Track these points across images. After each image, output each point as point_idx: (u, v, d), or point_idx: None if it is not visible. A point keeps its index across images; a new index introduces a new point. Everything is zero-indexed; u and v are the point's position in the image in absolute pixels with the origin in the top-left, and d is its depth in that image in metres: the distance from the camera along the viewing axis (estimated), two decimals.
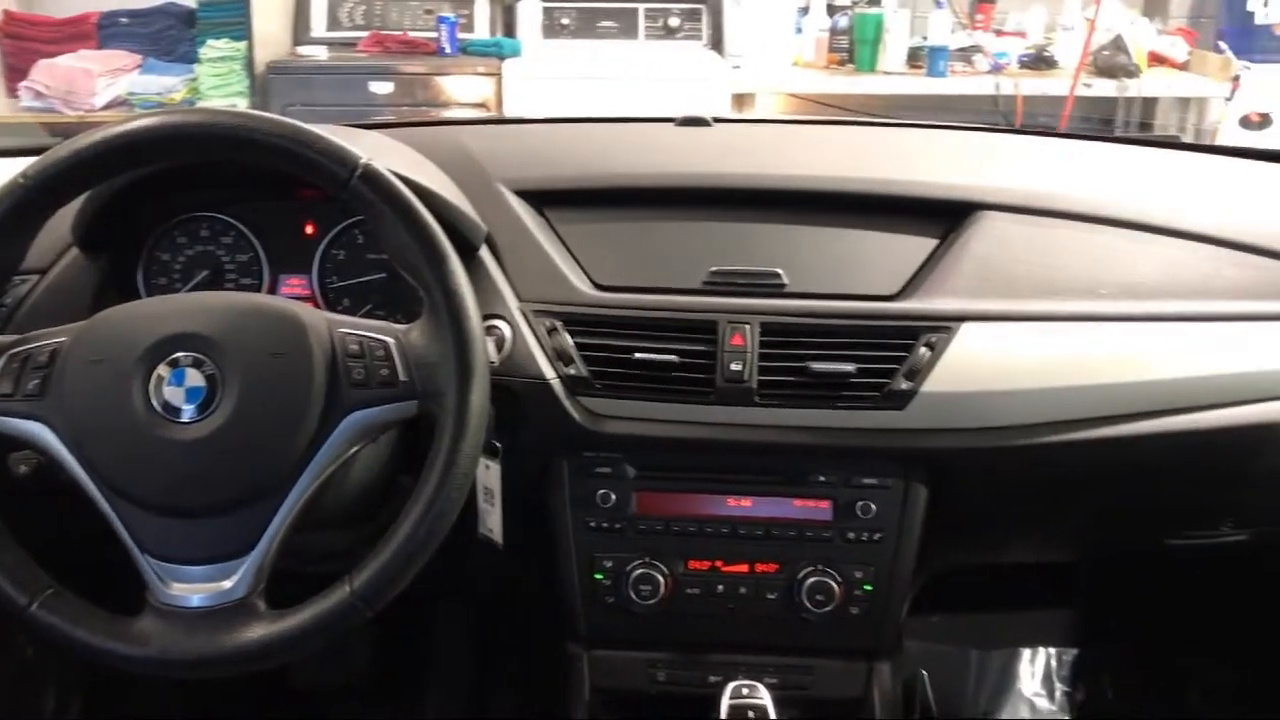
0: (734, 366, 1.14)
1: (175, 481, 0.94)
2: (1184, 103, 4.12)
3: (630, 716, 1.29)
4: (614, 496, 1.20)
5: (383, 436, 1.05)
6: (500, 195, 1.24)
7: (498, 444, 1.17)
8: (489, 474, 1.18)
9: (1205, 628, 1.75)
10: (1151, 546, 1.50)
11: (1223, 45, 3.94)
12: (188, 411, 0.95)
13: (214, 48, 3.78)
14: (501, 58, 3.79)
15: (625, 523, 1.21)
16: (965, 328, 1.15)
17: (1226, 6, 4.11)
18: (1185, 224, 1.24)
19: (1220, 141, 3.72)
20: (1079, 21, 3.97)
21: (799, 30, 4.01)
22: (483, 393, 0.96)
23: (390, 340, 0.98)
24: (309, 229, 1.28)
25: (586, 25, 4.03)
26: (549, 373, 1.15)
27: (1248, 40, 3.93)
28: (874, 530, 1.20)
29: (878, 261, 1.22)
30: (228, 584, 0.95)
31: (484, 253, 1.20)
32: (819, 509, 1.20)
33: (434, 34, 3.88)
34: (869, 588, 1.21)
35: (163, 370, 0.95)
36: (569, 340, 1.16)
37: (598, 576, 1.22)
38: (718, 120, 1.46)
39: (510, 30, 4.00)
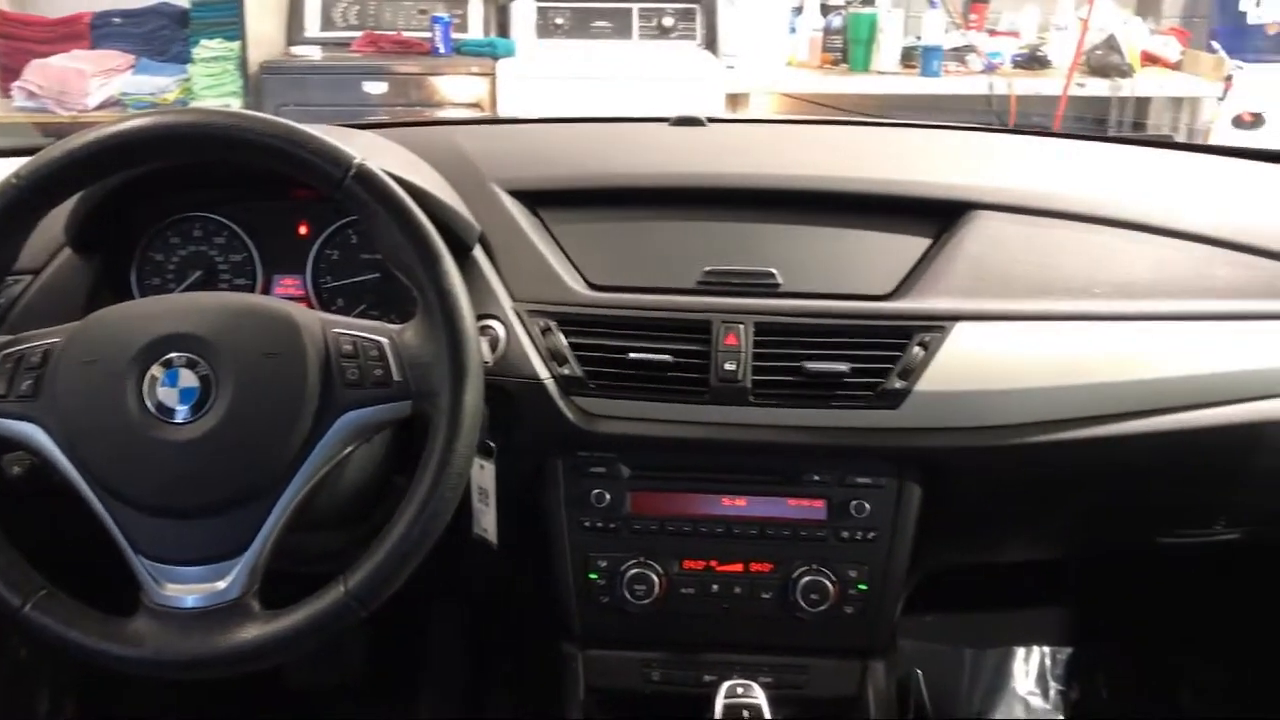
0: (728, 366, 1.14)
1: (169, 482, 0.94)
2: (1177, 102, 4.13)
3: (625, 716, 1.29)
4: (608, 496, 1.20)
5: (377, 437, 1.05)
6: (494, 195, 1.24)
7: (492, 444, 1.16)
8: (483, 474, 1.18)
9: (1198, 626, 1.75)
10: (1144, 545, 1.50)
11: (1215, 45, 3.95)
12: (181, 412, 0.95)
13: (207, 48, 3.77)
14: (495, 58, 3.79)
15: (620, 522, 1.21)
16: (959, 327, 1.15)
17: (1219, 6, 4.12)
18: (1178, 223, 1.24)
19: (1213, 141, 3.73)
20: (1072, 21, 3.98)
21: (793, 30, 4.01)
22: (477, 393, 0.96)
23: (384, 340, 0.98)
24: (303, 229, 1.27)
25: (580, 25, 4.03)
26: (543, 373, 1.15)
27: (1240, 40, 3.94)
28: (868, 529, 1.20)
29: (872, 261, 1.22)
30: (222, 584, 0.94)
31: (478, 253, 1.20)
32: (813, 508, 1.20)
33: (428, 34, 3.88)
34: (863, 587, 1.21)
35: (156, 371, 0.95)
36: (563, 340, 1.16)
37: (592, 576, 1.22)
38: (712, 120, 1.46)
39: (504, 30, 4.00)
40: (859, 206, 1.25)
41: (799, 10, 4.01)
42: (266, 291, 1.27)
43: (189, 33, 3.85)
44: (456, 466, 0.94)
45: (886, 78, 3.90)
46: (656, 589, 1.20)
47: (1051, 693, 1.87)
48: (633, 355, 1.15)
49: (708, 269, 1.20)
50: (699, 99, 3.59)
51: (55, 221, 1.12)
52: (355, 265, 1.27)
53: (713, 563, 1.22)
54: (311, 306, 1.23)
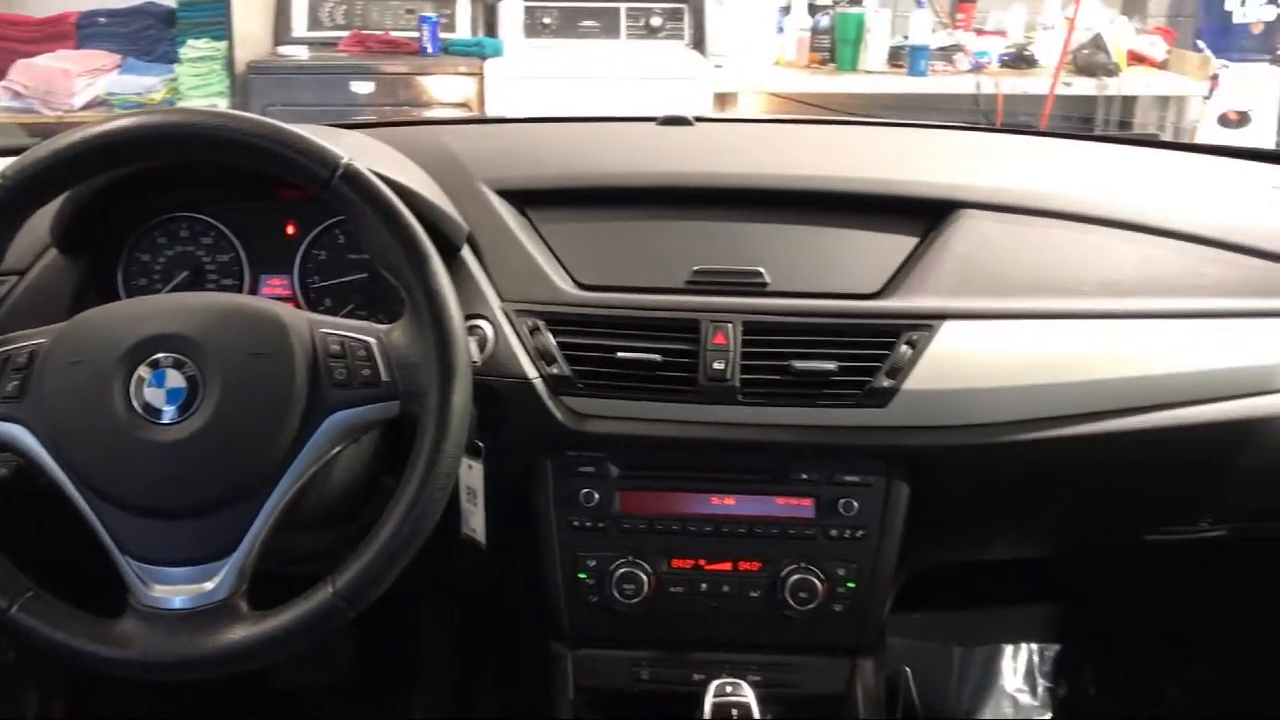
0: (716, 365, 1.14)
1: (156, 483, 0.94)
2: (1163, 101, 4.15)
3: (614, 715, 1.29)
4: (597, 496, 1.20)
5: (365, 437, 1.04)
6: (482, 195, 1.24)
7: (480, 444, 1.16)
8: (472, 474, 1.18)
9: (1185, 624, 1.76)
10: (1131, 543, 1.51)
11: (1201, 44, 3.97)
12: (168, 412, 0.94)
13: (194, 47, 3.76)
14: (483, 57, 3.79)
15: (608, 522, 1.21)
16: (946, 326, 1.15)
17: (1205, 6, 4.14)
18: (1165, 222, 1.25)
19: (1199, 140, 3.75)
20: (1059, 20, 4.00)
21: (781, 30, 4.02)
22: (465, 392, 0.96)
23: (372, 340, 0.98)
24: (290, 229, 1.27)
25: (568, 25, 4.03)
26: (531, 372, 1.15)
27: (1226, 39, 3.96)
28: (856, 527, 1.20)
29: (859, 260, 1.22)
30: (209, 585, 0.94)
31: (466, 252, 1.20)
32: (801, 507, 1.20)
33: (415, 34, 3.87)
34: (851, 585, 1.21)
35: (143, 371, 0.95)
36: (551, 340, 1.16)
37: (581, 576, 1.22)
38: (700, 119, 1.46)
39: (492, 30, 4.00)
40: (847, 206, 1.25)
41: (786, 10, 4.02)
42: (254, 292, 1.27)
43: (175, 32, 3.83)
44: (445, 466, 0.94)
45: (874, 77, 3.91)
46: (645, 588, 1.20)
47: (1039, 690, 1.87)
48: (621, 355, 1.15)
49: (696, 268, 1.20)
50: (687, 98, 3.59)
51: (41, 222, 1.11)
52: (343, 265, 1.27)
53: (701, 562, 1.22)
54: (299, 306, 1.22)
